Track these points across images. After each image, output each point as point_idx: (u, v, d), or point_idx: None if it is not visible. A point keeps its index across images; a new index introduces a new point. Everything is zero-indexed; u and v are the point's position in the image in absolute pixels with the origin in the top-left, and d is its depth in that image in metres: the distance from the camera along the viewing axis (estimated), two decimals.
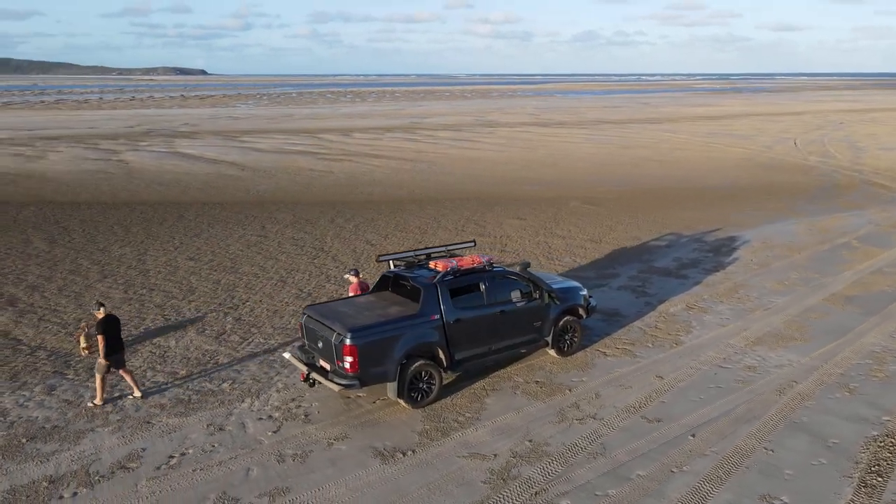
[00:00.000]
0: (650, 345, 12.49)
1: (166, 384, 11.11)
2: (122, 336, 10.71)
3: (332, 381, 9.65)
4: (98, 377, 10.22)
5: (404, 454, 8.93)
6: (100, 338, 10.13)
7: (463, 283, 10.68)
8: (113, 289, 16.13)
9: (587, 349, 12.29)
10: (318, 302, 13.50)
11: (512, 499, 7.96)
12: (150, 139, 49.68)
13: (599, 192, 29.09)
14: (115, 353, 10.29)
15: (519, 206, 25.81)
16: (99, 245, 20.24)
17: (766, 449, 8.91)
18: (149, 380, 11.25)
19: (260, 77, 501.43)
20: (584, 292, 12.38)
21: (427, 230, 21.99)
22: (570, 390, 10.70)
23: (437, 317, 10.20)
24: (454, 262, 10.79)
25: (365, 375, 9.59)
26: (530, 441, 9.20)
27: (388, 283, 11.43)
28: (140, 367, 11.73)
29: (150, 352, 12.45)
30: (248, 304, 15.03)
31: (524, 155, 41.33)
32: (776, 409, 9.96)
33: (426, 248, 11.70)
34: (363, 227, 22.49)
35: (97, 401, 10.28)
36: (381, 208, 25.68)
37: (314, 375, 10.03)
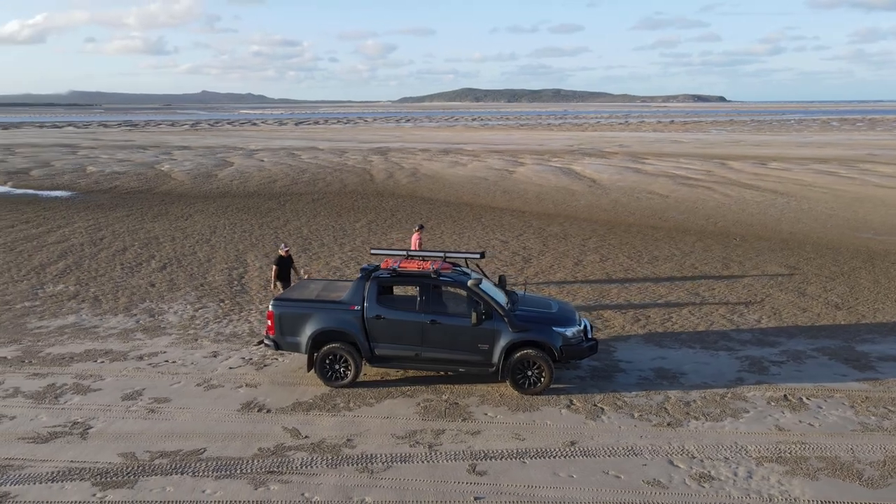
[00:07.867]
0: (636, 415, 9.88)
1: (248, 322, 14.45)
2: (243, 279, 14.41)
3: (264, 337, 11.36)
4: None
5: (259, 411, 10.11)
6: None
7: (397, 284, 10.80)
8: (306, 254, 20.45)
9: (561, 395, 10.54)
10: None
11: (255, 466, 8.50)
12: (565, 156, 54.74)
13: None
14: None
15: (819, 256, 20.55)
16: (374, 229, 25.10)
17: None
18: (244, 319, 14.77)
19: (780, 104, 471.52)
20: (569, 331, 10.52)
21: (659, 260, 19.96)
22: (463, 420, 9.76)
23: (357, 308, 10.72)
24: (398, 263, 10.97)
25: (280, 341, 10.98)
26: (347, 441, 9.19)
27: None
28: (253, 311, 15.39)
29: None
30: None
31: None
32: None
33: (424, 251, 11.93)
34: (604, 249, 21.71)
35: None
36: (655, 235, 23.95)
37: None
